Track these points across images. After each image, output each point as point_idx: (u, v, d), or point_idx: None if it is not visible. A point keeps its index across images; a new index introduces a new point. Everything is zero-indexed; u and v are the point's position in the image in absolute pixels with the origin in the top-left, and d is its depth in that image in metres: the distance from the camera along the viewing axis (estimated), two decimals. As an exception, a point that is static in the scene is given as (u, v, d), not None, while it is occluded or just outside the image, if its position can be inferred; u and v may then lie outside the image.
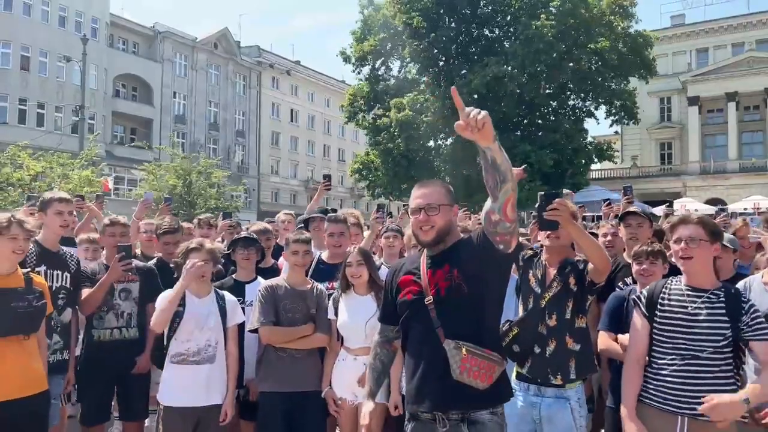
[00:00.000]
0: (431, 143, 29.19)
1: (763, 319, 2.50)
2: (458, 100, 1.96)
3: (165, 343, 3.38)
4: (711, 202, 32.22)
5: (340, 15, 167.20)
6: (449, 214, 2.35)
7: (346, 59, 31.21)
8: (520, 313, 3.06)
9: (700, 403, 2.39)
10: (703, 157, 38.12)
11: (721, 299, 2.50)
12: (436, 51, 28.94)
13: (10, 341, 2.79)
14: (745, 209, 26.40)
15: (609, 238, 4.18)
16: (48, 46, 31.59)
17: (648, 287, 2.76)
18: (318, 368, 3.75)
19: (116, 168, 32.86)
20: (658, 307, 2.61)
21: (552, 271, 3.01)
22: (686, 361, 2.49)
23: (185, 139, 39.11)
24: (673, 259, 2.83)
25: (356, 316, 3.60)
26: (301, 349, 3.67)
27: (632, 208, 4.20)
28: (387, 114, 27.92)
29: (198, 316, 3.38)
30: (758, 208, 26.21)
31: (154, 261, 4.39)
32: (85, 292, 3.68)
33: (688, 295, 2.55)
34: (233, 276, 4.12)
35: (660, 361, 2.58)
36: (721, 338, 2.44)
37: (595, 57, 27.70)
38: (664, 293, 2.63)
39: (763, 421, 2.62)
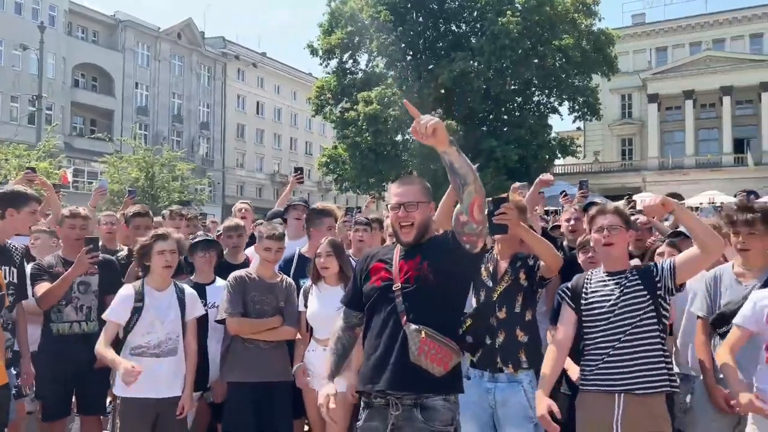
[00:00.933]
0: (399, 137, 29.26)
1: (670, 265, 2.69)
2: (412, 108, 2.14)
3: (122, 336, 3.32)
4: (669, 196, 33.15)
5: (307, 9, 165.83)
6: (427, 211, 2.45)
7: (314, 52, 30.98)
8: (474, 305, 3.15)
9: (633, 380, 2.60)
10: (662, 153, 39.17)
11: (635, 275, 2.71)
12: (403, 45, 28.98)
13: None
14: (701, 204, 27.34)
15: (572, 222, 4.24)
16: (3, 35, 30.54)
17: (572, 280, 2.92)
18: (286, 359, 3.77)
19: (75, 160, 31.96)
20: (582, 296, 2.78)
21: (503, 265, 3.11)
22: (615, 340, 2.65)
23: (148, 131, 38.30)
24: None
25: (326, 308, 3.62)
26: (268, 341, 3.68)
27: (596, 199, 4.30)
28: (355, 108, 27.87)
29: (158, 309, 3.34)
30: (713, 203, 27.17)
31: (125, 253, 4.31)
32: (44, 286, 3.56)
33: (608, 280, 2.76)
34: (191, 278, 4.08)
35: (592, 347, 2.74)
36: (642, 311, 2.63)
37: (559, 54, 28.15)
38: (587, 284, 2.81)
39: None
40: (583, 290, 2.81)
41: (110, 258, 4.06)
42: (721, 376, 2.83)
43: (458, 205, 2.30)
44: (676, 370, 3.17)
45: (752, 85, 36.46)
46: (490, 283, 3.10)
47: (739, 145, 36.84)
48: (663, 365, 2.64)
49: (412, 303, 2.33)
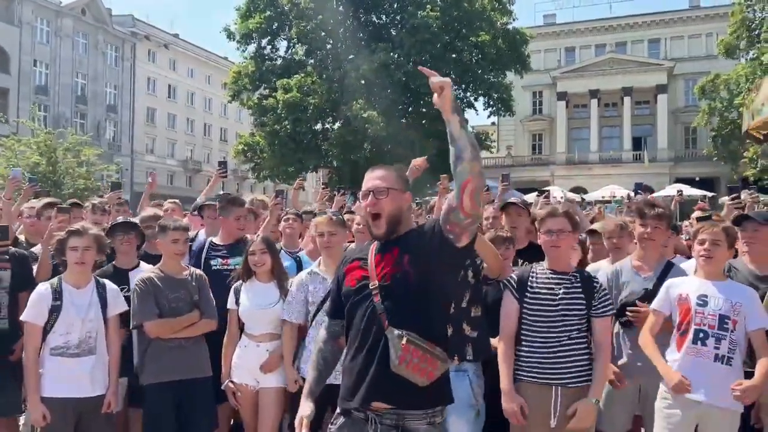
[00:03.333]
0: (318, 126, 29.01)
1: (610, 300, 2.97)
2: (426, 70, 2.01)
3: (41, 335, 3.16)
4: (575, 190, 35.04)
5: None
6: (400, 200, 2.19)
7: (230, 36, 30.06)
8: None
9: (567, 374, 2.80)
10: (569, 149, 41.32)
11: (577, 281, 2.91)
12: (323, 33, 28.72)
13: None
14: (603, 197, 29.13)
15: (490, 220, 4.40)
16: None
17: (516, 272, 3.10)
18: (205, 354, 3.67)
19: (-36, 142, 29.39)
20: (528, 289, 2.93)
21: None
22: (554, 337, 2.84)
23: (48, 112, 35.79)
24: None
25: (258, 304, 3.61)
26: (189, 336, 3.58)
27: (512, 199, 4.52)
28: (273, 95, 27.31)
29: (78, 307, 3.20)
30: (614, 196, 29.03)
31: (38, 247, 4.04)
32: None
33: (552, 279, 2.93)
34: (113, 263, 3.90)
35: (531, 339, 2.90)
36: (579, 315, 2.86)
37: (476, 50, 28.94)
38: (532, 277, 2.97)
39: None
40: (529, 284, 2.95)
41: (23, 252, 3.81)
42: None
43: (451, 194, 2.06)
44: None
45: (650, 87, 39.20)
46: None
47: (638, 143, 39.50)
48: (588, 360, 2.88)
49: (392, 303, 2.08)
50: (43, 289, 3.18)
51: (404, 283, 2.08)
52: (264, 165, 29.51)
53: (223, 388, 3.68)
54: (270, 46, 30.89)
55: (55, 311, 3.12)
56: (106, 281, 3.46)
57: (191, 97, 49.26)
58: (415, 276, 2.07)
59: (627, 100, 39.62)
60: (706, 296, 2.90)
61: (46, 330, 3.14)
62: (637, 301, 3.20)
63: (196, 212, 5.03)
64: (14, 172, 5.40)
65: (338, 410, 2.25)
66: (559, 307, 2.86)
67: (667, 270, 3.26)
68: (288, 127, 26.63)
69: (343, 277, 2.31)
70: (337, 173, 29.37)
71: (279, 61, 30.63)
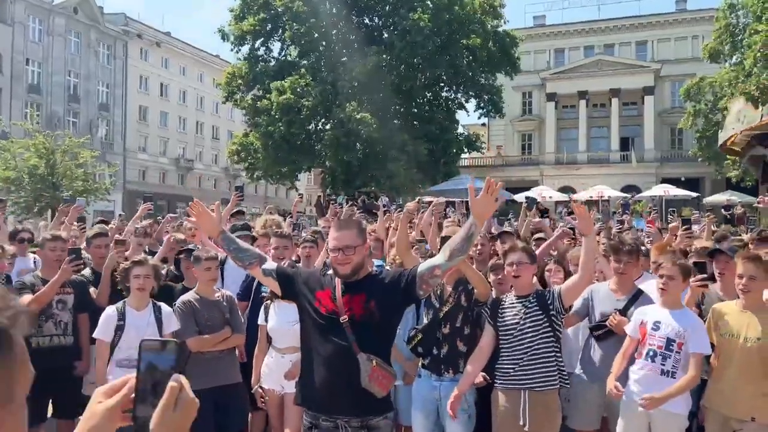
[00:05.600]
0: (312, 126, 29.38)
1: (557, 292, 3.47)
2: (473, 192, 2.66)
3: (109, 350, 3.65)
4: (563, 189, 35.66)
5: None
6: (363, 251, 2.77)
7: (224, 37, 30.37)
8: (425, 321, 3.79)
9: (533, 379, 3.31)
10: (558, 149, 41.96)
11: (534, 299, 3.44)
12: (317, 36, 29.09)
13: None
14: (591, 197, 29.75)
15: (478, 247, 4.56)
16: None
17: (490, 301, 3.65)
18: (236, 364, 4.22)
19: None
20: (499, 314, 3.49)
21: (448, 289, 3.75)
22: (520, 350, 3.38)
23: (41, 110, 35.80)
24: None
25: (284, 321, 4.10)
26: (223, 349, 4.09)
27: (506, 228, 5.02)
28: (267, 96, 27.64)
29: (138, 327, 3.69)
30: (602, 196, 29.67)
31: (88, 271, 4.52)
32: (29, 297, 3.80)
33: (515, 302, 3.48)
34: (182, 283, 4.46)
35: (504, 354, 3.45)
36: (540, 327, 3.35)
37: (467, 52, 29.43)
38: (503, 303, 3.54)
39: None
40: (499, 309, 3.51)
41: (83, 279, 4.32)
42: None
43: (440, 259, 2.65)
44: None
45: (637, 88, 39.88)
46: (437, 304, 3.73)
47: (625, 144, 40.17)
48: (556, 367, 3.39)
49: (359, 335, 2.63)
50: (110, 311, 3.69)
51: (371, 321, 2.66)
52: (258, 165, 29.85)
53: (252, 392, 4.17)
54: (264, 48, 31.22)
55: (119, 330, 3.64)
56: (162, 303, 3.96)
57: (183, 96, 49.37)
58: (378, 316, 2.67)
59: (615, 101, 40.26)
60: (659, 322, 3.44)
61: (113, 345, 3.63)
62: (612, 314, 3.77)
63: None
64: (80, 201, 5.99)
65: (306, 423, 2.77)
66: (522, 325, 3.38)
67: (637, 296, 3.84)
68: (282, 128, 26.98)
69: (312, 293, 2.80)
70: (331, 174, 29.79)
71: (272, 63, 30.95)
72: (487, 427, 3.59)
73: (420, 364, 3.72)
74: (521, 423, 3.31)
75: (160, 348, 1.05)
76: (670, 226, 6.55)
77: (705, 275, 3.62)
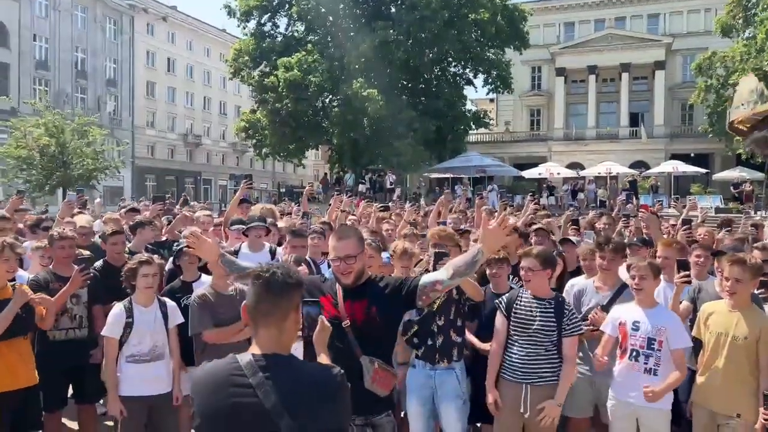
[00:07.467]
0: (319, 103, 29.33)
1: (578, 320, 3.66)
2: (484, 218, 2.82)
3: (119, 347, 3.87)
4: (571, 166, 35.54)
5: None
6: (363, 258, 2.87)
7: (231, 13, 30.20)
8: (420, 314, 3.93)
9: (538, 375, 3.50)
10: (567, 124, 41.68)
11: (551, 305, 3.58)
12: (323, 11, 28.85)
13: (12, 342, 3.57)
14: (599, 173, 29.65)
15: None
16: None
17: (506, 295, 3.82)
18: None
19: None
20: (514, 310, 3.64)
21: None
22: (529, 347, 3.54)
23: (49, 87, 35.92)
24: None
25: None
26: (239, 340, 4.26)
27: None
28: (274, 73, 27.57)
29: (145, 323, 3.88)
30: (610, 172, 29.56)
31: (100, 263, 4.68)
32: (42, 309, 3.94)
33: (531, 303, 3.61)
34: (180, 278, 4.55)
35: (512, 348, 3.61)
36: (551, 333, 3.52)
37: (475, 27, 29.11)
38: (519, 300, 3.68)
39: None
40: (515, 305, 3.66)
41: (95, 273, 4.48)
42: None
43: (442, 274, 2.75)
44: None
45: (648, 63, 39.38)
46: None
47: (635, 119, 39.80)
48: (558, 365, 3.56)
49: (362, 339, 2.77)
50: (118, 310, 3.85)
51: (372, 326, 2.80)
52: (265, 142, 29.93)
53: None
54: (270, 23, 31.02)
55: (128, 327, 3.80)
56: (166, 299, 4.13)
57: (190, 70, 49.27)
58: (380, 321, 2.80)
59: (625, 76, 39.81)
60: (638, 322, 3.60)
61: (122, 341, 3.82)
62: (595, 310, 4.01)
63: (234, 227, 5.56)
64: (70, 196, 6.14)
65: None
66: (536, 326, 3.54)
67: (621, 291, 4.04)
68: (289, 105, 26.98)
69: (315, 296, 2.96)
70: (338, 151, 29.82)
71: (279, 39, 30.79)
72: (481, 411, 3.80)
73: (414, 354, 3.89)
74: (521, 410, 3.52)
75: (312, 304, 2.74)
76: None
77: (687, 272, 3.77)
